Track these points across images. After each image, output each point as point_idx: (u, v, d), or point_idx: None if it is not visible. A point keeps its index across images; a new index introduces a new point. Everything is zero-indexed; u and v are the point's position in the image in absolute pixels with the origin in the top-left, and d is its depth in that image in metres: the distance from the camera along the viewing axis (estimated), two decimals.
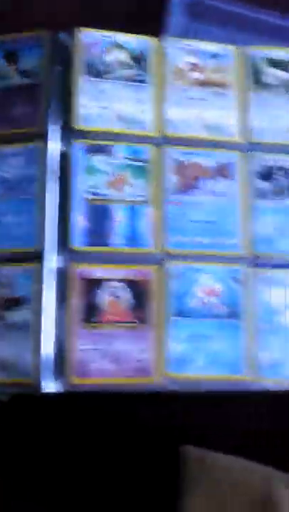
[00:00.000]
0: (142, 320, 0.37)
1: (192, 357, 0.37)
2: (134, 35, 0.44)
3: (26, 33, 0.44)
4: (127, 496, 0.40)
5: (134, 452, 0.40)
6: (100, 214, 0.39)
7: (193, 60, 0.44)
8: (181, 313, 0.38)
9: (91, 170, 0.40)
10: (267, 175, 0.42)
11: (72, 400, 0.38)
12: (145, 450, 0.40)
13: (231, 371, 0.37)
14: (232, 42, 0.45)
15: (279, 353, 0.38)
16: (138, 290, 0.38)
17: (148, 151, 0.41)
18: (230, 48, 0.44)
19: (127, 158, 0.41)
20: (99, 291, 0.37)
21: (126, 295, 0.38)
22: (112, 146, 0.41)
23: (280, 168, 0.42)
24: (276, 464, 0.38)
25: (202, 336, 0.38)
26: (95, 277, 0.38)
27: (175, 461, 0.39)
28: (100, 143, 0.41)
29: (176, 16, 0.54)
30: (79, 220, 0.38)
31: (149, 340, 0.37)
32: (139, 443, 0.40)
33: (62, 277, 0.38)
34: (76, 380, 0.36)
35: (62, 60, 0.42)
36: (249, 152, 0.42)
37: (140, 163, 0.41)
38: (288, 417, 0.41)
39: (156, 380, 0.36)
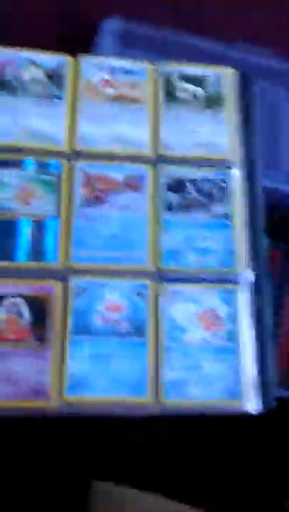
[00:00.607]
0: (42, 339, 0.36)
1: (92, 378, 0.35)
2: (50, 53, 0.44)
3: None
4: None
5: (40, 484, 0.37)
6: (3, 227, 0.38)
7: (106, 76, 0.44)
8: (83, 331, 0.36)
9: None
10: (176, 188, 0.41)
11: None
12: (52, 483, 0.37)
13: (133, 393, 0.35)
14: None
15: (184, 372, 0.36)
16: (39, 307, 0.36)
17: (58, 165, 0.40)
18: (144, 65, 0.45)
19: (36, 172, 0.40)
20: None
21: (25, 312, 0.36)
22: (22, 160, 0.40)
23: (190, 181, 0.42)
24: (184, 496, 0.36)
25: (103, 355, 0.36)
26: None
27: (84, 495, 0.36)
28: (9, 157, 0.40)
29: (105, 42, 0.55)
30: None
31: (48, 360, 0.35)
32: (45, 474, 0.37)
33: None
34: None
35: None
36: (158, 165, 0.41)
37: (49, 177, 0.40)
38: (191, 442, 0.39)
39: (54, 403, 0.34)
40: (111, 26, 0.55)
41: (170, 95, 0.44)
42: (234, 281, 0.40)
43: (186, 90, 0.45)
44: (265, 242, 0.43)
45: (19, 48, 0.44)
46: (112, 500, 0.36)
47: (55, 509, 0.37)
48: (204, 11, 0.64)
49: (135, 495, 0.36)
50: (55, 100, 0.42)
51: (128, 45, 0.57)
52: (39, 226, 0.39)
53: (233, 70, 0.46)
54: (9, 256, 0.38)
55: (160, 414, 0.35)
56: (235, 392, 0.36)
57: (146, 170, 0.41)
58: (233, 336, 0.38)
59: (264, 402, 0.37)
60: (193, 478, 0.37)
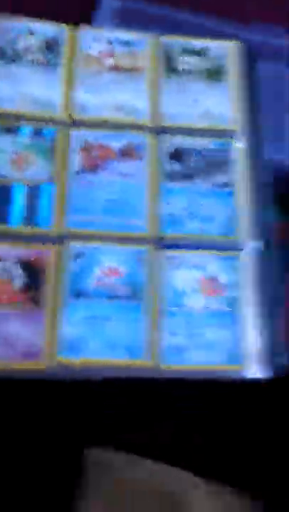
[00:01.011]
0: (36, 302, 0.35)
1: (87, 340, 0.34)
2: (48, 23, 0.43)
3: None
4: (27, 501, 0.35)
5: (35, 451, 0.36)
6: None
7: (106, 46, 0.43)
8: (79, 294, 0.35)
9: None
10: (177, 157, 0.40)
11: None
12: (47, 451, 0.36)
13: (130, 356, 0.34)
14: None
15: (183, 337, 0.35)
16: (34, 270, 0.35)
17: (54, 132, 0.40)
18: (144, 36, 0.44)
19: (31, 138, 0.39)
20: None
21: (20, 275, 0.35)
22: (19, 126, 0.39)
23: (191, 151, 0.41)
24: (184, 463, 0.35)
25: (100, 317, 0.35)
26: None
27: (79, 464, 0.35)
28: (6, 123, 0.39)
29: (103, 18, 0.55)
30: None
31: (42, 323, 0.34)
32: (40, 441, 0.36)
33: None
34: None
35: None
36: (159, 134, 0.40)
37: (45, 144, 0.39)
38: (192, 408, 0.38)
39: (48, 365, 0.33)
40: (109, 3, 0.54)
41: (171, 66, 0.43)
42: (236, 249, 0.39)
43: (187, 62, 0.44)
44: (271, 213, 0.42)
45: (17, 17, 0.43)
46: (101, 467, 0.34)
47: (49, 475, 0.36)
48: None
49: (128, 459, 0.34)
50: (52, 68, 0.42)
51: (127, 23, 0.56)
52: (34, 192, 0.38)
53: (235, 44, 0.45)
54: (3, 221, 0.37)
55: (158, 378, 0.33)
56: (236, 357, 0.35)
57: (145, 139, 0.41)
58: (234, 303, 0.37)
59: (269, 369, 0.36)
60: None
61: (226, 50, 0.45)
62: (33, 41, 0.43)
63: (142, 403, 0.37)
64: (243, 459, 0.36)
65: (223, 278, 0.38)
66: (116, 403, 0.36)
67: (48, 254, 0.36)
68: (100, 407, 0.37)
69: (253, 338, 0.36)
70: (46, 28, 0.43)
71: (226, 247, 0.39)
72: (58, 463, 0.35)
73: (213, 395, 0.37)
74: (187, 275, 0.37)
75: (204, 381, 0.34)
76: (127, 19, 0.55)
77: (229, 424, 0.37)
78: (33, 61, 0.42)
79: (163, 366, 0.34)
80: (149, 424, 0.36)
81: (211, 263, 0.38)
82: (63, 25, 0.44)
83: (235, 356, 0.35)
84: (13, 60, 0.42)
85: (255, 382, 0.35)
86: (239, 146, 0.42)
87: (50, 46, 0.43)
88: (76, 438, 0.35)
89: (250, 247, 0.39)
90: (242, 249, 0.39)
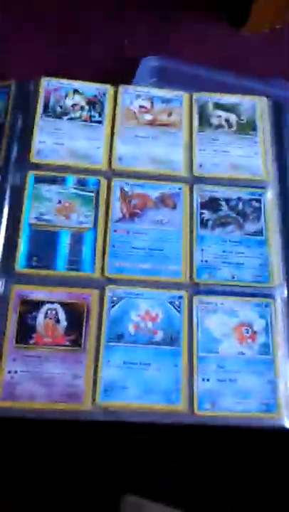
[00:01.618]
0: (78, 344, 0.36)
1: (126, 384, 0.35)
2: (92, 83, 0.47)
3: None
4: None
5: (71, 493, 0.37)
6: (45, 239, 0.40)
7: (144, 103, 0.46)
8: (118, 338, 0.37)
9: (41, 198, 0.41)
10: (210, 206, 0.42)
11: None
12: (83, 494, 0.37)
13: (167, 401, 0.35)
14: None
15: (218, 384, 0.36)
16: (76, 313, 0.37)
17: (96, 182, 0.43)
18: (180, 93, 0.47)
19: (76, 188, 0.42)
20: (36, 312, 0.37)
21: (63, 318, 0.37)
22: (64, 177, 0.43)
23: (224, 200, 0.43)
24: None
25: (138, 362, 0.36)
26: (33, 299, 0.37)
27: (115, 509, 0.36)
28: (53, 174, 0.42)
29: (143, 77, 0.59)
30: (25, 244, 0.39)
31: (83, 365, 0.36)
32: (76, 482, 0.37)
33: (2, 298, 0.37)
34: (2, 404, 0.34)
35: (26, 104, 0.46)
36: (194, 184, 0.43)
37: (88, 193, 0.42)
38: (226, 458, 0.38)
39: (86, 407, 0.34)
40: (149, 63, 0.59)
41: (205, 121, 0.46)
42: (269, 296, 0.40)
43: (219, 116, 0.47)
44: None
45: (66, 79, 0.47)
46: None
47: None
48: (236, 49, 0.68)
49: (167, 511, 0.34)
50: (95, 124, 0.45)
51: (165, 81, 0.61)
52: (77, 238, 0.40)
53: (264, 99, 0.48)
54: (50, 265, 0.39)
55: (193, 424, 0.34)
56: (271, 405, 0.36)
57: (181, 188, 0.43)
58: (268, 349, 0.38)
59: None
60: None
61: (255, 105, 0.48)
62: (78, 99, 0.47)
63: (176, 449, 0.37)
64: (279, 508, 0.36)
65: (256, 324, 0.39)
66: (151, 448, 0.37)
67: (90, 298, 0.38)
68: (136, 451, 0.37)
69: (287, 385, 0.37)
70: (90, 88, 0.47)
71: (259, 294, 0.40)
72: (94, 506, 0.36)
73: (248, 443, 0.37)
74: (221, 321, 0.39)
75: (239, 428, 0.35)
76: (163, 77, 0.60)
77: (265, 473, 0.37)
78: (77, 117, 0.45)
79: (198, 412, 0.35)
80: (183, 470, 0.37)
81: (244, 309, 0.39)
82: (106, 84, 0.48)
83: (270, 404, 0.36)
84: (60, 117, 0.45)
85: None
86: (269, 195, 0.44)
87: (94, 103, 0.46)
88: (112, 481, 0.36)
89: (282, 292, 0.40)
90: (274, 296, 0.40)
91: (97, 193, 0.42)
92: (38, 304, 0.37)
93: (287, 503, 0.36)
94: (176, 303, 0.38)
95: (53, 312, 0.37)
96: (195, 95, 0.48)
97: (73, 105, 0.46)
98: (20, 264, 0.39)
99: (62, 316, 0.37)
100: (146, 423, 0.34)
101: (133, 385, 0.35)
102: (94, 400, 0.35)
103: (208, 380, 0.36)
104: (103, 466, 0.37)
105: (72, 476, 0.37)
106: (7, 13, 0.68)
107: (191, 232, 0.42)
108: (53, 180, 0.42)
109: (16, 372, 0.35)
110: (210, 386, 0.36)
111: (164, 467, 0.37)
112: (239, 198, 0.44)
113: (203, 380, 0.36)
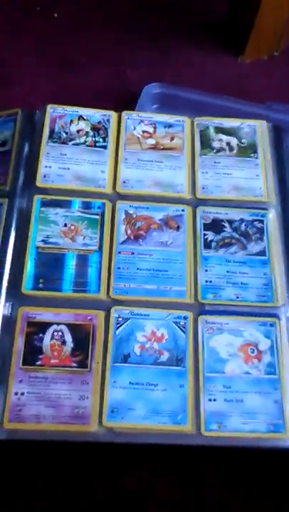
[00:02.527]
0: (84, 365, 0.37)
1: (132, 405, 0.35)
2: (96, 109, 0.49)
3: (4, 111, 0.50)
4: None
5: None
6: (51, 261, 0.41)
7: (147, 128, 0.48)
8: (124, 358, 0.37)
9: (47, 221, 0.42)
10: (213, 227, 0.43)
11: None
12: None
13: (174, 422, 0.35)
14: None
15: (225, 403, 0.36)
16: (82, 335, 0.38)
17: (101, 205, 0.44)
18: (182, 118, 0.49)
19: (81, 211, 0.43)
20: (42, 334, 0.37)
21: (70, 339, 0.37)
22: (70, 200, 0.44)
23: (227, 222, 0.44)
24: None
25: (144, 383, 0.36)
26: (40, 320, 0.38)
27: None
28: (58, 198, 0.44)
29: (145, 104, 0.61)
30: (31, 267, 0.40)
31: (90, 386, 0.36)
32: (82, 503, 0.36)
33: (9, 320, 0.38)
34: (10, 426, 0.34)
35: (33, 130, 0.47)
36: (197, 206, 0.44)
37: (93, 216, 0.43)
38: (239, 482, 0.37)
39: (93, 428, 0.34)
40: (150, 90, 0.61)
41: (206, 144, 0.48)
42: (274, 315, 0.40)
43: (221, 140, 0.48)
44: None
45: (70, 106, 0.49)
46: None
47: None
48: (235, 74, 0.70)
49: None
50: (100, 149, 0.46)
51: (166, 107, 0.63)
52: (83, 260, 0.41)
53: (264, 122, 0.50)
54: (56, 287, 0.40)
55: (201, 445, 0.34)
56: (278, 426, 0.35)
57: (184, 210, 0.44)
58: (273, 369, 0.38)
59: None
60: None
61: (255, 128, 0.49)
62: (83, 125, 0.48)
63: (184, 469, 0.37)
64: None
65: (261, 344, 0.39)
66: (158, 468, 0.36)
67: (96, 319, 0.39)
68: (142, 471, 0.37)
69: None
70: (94, 114, 0.49)
71: (263, 314, 0.40)
72: None
73: (256, 463, 0.36)
74: (226, 341, 0.39)
75: (246, 449, 0.34)
76: (164, 103, 0.61)
77: (273, 494, 0.37)
78: (82, 142, 0.47)
79: (205, 433, 0.35)
80: (189, 490, 0.36)
81: (250, 329, 0.39)
82: (109, 111, 0.50)
83: (278, 424, 0.36)
84: (65, 142, 0.47)
85: None
86: (271, 216, 0.45)
87: (98, 129, 0.48)
88: (117, 501, 0.36)
89: (286, 312, 0.41)
90: (279, 316, 0.40)
91: (102, 216, 0.43)
92: (44, 326, 0.38)
93: None
94: (182, 323, 0.39)
95: (60, 333, 0.38)
96: (196, 120, 0.49)
97: (78, 131, 0.48)
98: (26, 287, 0.39)
99: (68, 337, 0.37)
100: (153, 444, 0.34)
101: (139, 405, 0.35)
102: (100, 421, 0.35)
103: (214, 400, 0.36)
104: (108, 486, 0.37)
105: (76, 498, 0.36)
106: (13, 45, 0.71)
107: (195, 253, 0.42)
108: (58, 204, 0.43)
109: (22, 394, 0.35)
110: (217, 406, 0.36)
111: (172, 488, 0.37)
112: (242, 219, 0.44)
113: (210, 400, 0.36)
